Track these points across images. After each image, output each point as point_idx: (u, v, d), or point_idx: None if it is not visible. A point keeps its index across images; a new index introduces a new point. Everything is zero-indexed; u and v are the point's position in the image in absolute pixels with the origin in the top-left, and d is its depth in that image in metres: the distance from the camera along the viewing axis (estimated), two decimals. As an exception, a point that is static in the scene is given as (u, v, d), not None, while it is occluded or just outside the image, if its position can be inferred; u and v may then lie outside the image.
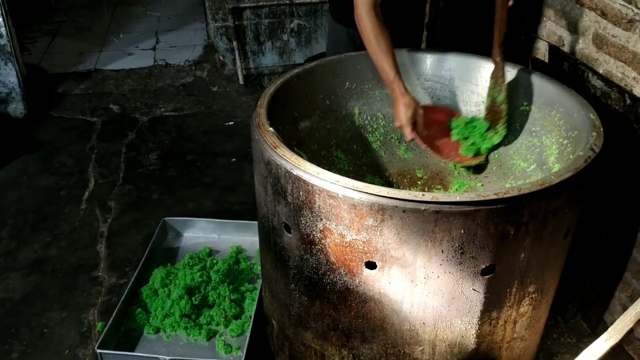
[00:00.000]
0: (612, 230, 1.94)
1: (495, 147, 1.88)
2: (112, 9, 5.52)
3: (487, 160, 1.89)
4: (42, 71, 4.26)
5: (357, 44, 2.18)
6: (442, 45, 3.00)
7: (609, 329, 1.66)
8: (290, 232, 1.51)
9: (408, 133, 1.74)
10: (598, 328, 2.07)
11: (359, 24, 1.78)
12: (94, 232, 2.66)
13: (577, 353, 1.75)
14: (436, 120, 1.89)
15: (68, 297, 2.29)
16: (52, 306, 2.25)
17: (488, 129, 1.87)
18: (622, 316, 1.65)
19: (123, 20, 5.26)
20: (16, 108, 3.62)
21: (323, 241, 1.43)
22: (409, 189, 1.88)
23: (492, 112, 1.89)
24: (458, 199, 1.27)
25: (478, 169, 1.91)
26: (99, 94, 3.99)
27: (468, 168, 1.90)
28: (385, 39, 1.75)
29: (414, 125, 1.74)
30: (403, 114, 1.73)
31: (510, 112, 1.84)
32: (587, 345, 1.72)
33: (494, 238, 1.33)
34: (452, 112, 1.97)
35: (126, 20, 5.26)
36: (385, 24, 1.77)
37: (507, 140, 1.88)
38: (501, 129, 1.83)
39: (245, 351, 1.91)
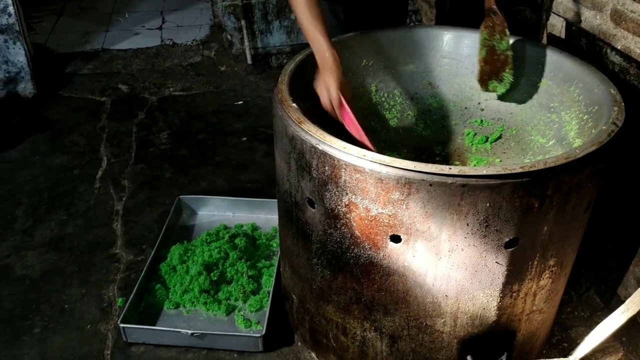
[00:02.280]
0: (628, 206, 1.96)
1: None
2: (116, -12, 5.47)
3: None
4: (49, 51, 4.24)
5: (341, 18, 2.19)
6: (451, 23, 3.00)
7: (626, 302, 1.69)
8: (314, 207, 1.53)
9: (333, 90, 1.62)
10: (611, 302, 2.10)
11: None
12: (109, 210, 2.68)
13: (590, 326, 1.79)
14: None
15: (87, 274, 2.32)
16: (72, 283, 2.28)
17: (487, 79, 1.84)
18: (639, 289, 1.68)
19: (128, 0, 5.22)
20: (25, 87, 3.62)
21: (348, 215, 1.45)
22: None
23: (490, 62, 1.85)
24: (485, 172, 1.28)
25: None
26: (107, 73, 3.98)
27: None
28: (315, 6, 1.68)
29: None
30: (332, 74, 1.62)
31: (515, 59, 1.81)
32: (600, 319, 1.75)
33: (519, 211, 1.34)
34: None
35: (131, 0, 5.22)
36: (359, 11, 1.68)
37: (525, 116, 1.90)
38: (508, 76, 1.80)
39: (265, 325, 1.95)
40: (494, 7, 1.82)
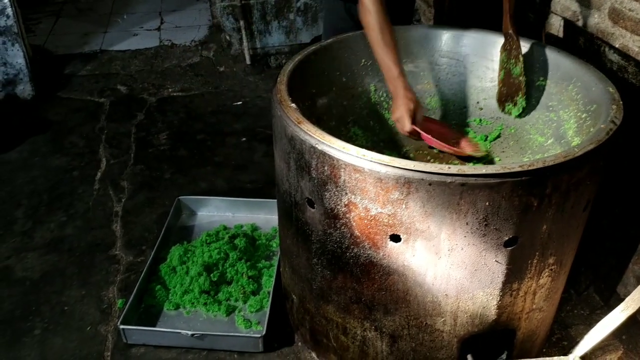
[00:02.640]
0: (626, 204, 1.96)
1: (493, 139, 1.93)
2: (114, -11, 5.48)
3: (486, 156, 1.89)
4: (48, 52, 4.24)
5: (356, 18, 2.19)
6: (450, 22, 3.00)
7: (626, 300, 1.69)
8: (313, 207, 1.53)
9: (407, 125, 1.70)
10: (611, 300, 2.11)
11: (363, 12, 1.75)
12: (109, 211, 2.68)
13: (590, 324, 1.79)
14: (437, 130, 1.86)
15: (86, 275, 2.32)
16: (72, 284, 2.28)
17: (504, 101, 1.88)
18: (639, 287, 1.69)
19: (126, 1, 5.23)
20: (24, 89, 3.62)
21: (347, 215, 1.45)
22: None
23: (507, 84, 1.90)
24: (484, 171, 1.29)
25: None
26: (106, 74, 3.98)
27: (468, 160, 1.89)
28: (390, 32, 1.73)
29: (414, 119, 1.71)
30: (404, 106, 1.69)
31: (528, 84, 1.85)
32: (600, 317, 1.75)
33: (518, 210, 1.35)
34: (458, 133, 1.95)
35: (129, 1, 5.23)
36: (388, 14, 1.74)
37: (522, 115, 1.90)
38: (520, 101, 1.84)
39: (265, 326, 1.95)
40: (510, 31, 1.84)
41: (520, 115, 1.88)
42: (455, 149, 1.81)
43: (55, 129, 3.35)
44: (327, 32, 2.41)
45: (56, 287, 2.27)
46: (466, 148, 1.87)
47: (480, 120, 2.00)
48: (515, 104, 1.86)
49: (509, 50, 1.88)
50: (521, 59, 1.84)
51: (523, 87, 1.84)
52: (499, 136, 1.94)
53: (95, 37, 4.50)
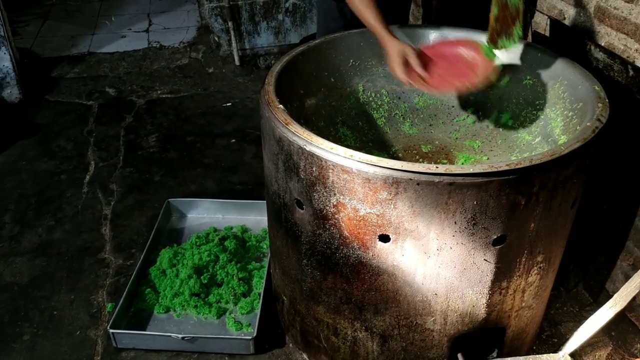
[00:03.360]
0: (614, 201, 1.97)
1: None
2: (102, -9, 5.45)
3: (497, 78, 1.87)
4: (35, 55, 4.21)
5: (348, 18, 2.20)
6: (438, 22, 3.01)
7: (614, 296, 1.70)
8: (302, 208, 1.53)
9: (401, 75, 1.77)
10: (600, 297, 2.12)
11: None
12: (98, 214, 2.66)
13: (580, 321, 1.80)
14: (442, 54, 1.87)
15: (75, 280, 2.30)
16: (60, 289, 2.26)
17: (497, 39, 1.84)
18: (627, 283, 1.69)
19: (114, 3, 5.20)
20: (11, 93, 3.59)
21: (336, 216, 1.45)
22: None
23: (501, 20, 1.81)
24: (471, 170, 1.29)
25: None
26: (94, 77, 3.96)
27: (474, 105, 1.86)
28: None
29: (408, 67, 1.77)
30: (392, 58, 1.77)
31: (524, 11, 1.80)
32: (589, 314, 1.76)
33: (506, 209, 1.35)
34: (471, 42, 1.92)
35: (117, 3, 5.20)
36: None
37: (511, 113, 1.91)
38: (517, 30, 1.79)
39: (256, 327, 1.94)
40: None
41: (494, 93, 1.86)
42: (453, 87, 1.81)
43: (43, 133, 3.33)
44: (320, 32, 2.41)
45: (45, 292, 2.25)
46: (479, 68, 1.81)
47: (469, 117, 2.00)
48: (510, 35, 1.80)
49: None
50: None
51: (521, 15, 1.78)
52: (487, 135, 1.94)
53: (83, 39, 4.48)
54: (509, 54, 1.89)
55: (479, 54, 1.84)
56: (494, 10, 1.83)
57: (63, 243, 2.50)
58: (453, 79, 1.80)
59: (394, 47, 1.77)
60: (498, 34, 1.85)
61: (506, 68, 1.90)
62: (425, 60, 1.80)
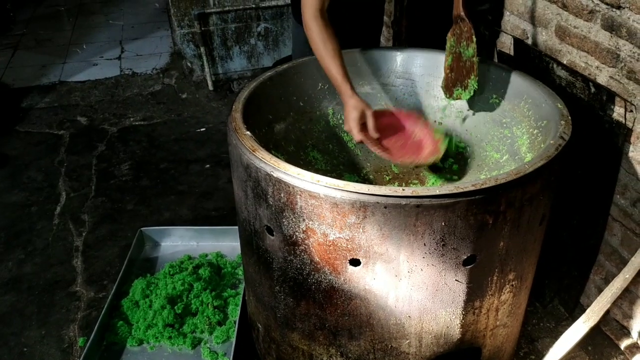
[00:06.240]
0: (583, 215, 2.00)
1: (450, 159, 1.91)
2: (73, 20, 5.43)
3: (442, 163, 1.89)
4: (5, 86, 4.16)
5: None
6: (408, 43, 3.05)
7: (587, 311, 1.71)
8: (272, 235, 1.52)
9: (355, 135, 1.72)
10: (575, 311, 2.13)
11: (306, 29, 1.82)
12: (69, 246, 2.61)
13: (556, 337, 1.81)
14: (396, 125, 1.86)
15: (46, 314, 2.25)
16: (31, 324, 2.21)
17: (452, 87, 1.87)
18: (598, 298, 1.71)
19: (85, 31, 5.18)
20: (-20, 124, 3.54)
21: (306, 241, 1.44)
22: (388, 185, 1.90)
23: (456, 69, 1.87)
24: (437, 192, 1.29)
25: (435, 169, 1.92)
26: (65, 106, 3.92)
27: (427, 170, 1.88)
28: (332, 43, 1.78)
29: (363, 126, 1.72)
30: (350, 116, 1.72)
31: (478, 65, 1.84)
32: (565, 329, 1.77)
33: (474, 228, 1.35)
34: (417, 117, 1.94)
35: (88, 31, 5.18)
36: (334, 28, 1.80)
37: (479, 132, 1.93)
38: (472, 83, 1.82)
39: (231, 357, 1.91)
40: (462, 14, 1.82)
41: (471, 99, 1.87)
42: (401, 160, 1.80)
43: (12, 164, 3.27)
44: (295, 57, 2.43)
45: (14, 328, 2.19)
46: (425, 149, 1.82)
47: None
48: (466, 87, 1.83)
49: (458, 35, 1.85)
50: (474, 39, 1.81)
51: (476, 69, 1.81)
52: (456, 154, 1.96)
53: (53, 68, 4.44)
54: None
55: (430, 135, 1.84)
56: (447, 60, 1.88)
57: (33, 277, 2.44)
58: (401, 151, 1.80)
59: (354, 105, 1.72)
60: (453, 83, 1.90)
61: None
62: (380, 124, 1.77)
